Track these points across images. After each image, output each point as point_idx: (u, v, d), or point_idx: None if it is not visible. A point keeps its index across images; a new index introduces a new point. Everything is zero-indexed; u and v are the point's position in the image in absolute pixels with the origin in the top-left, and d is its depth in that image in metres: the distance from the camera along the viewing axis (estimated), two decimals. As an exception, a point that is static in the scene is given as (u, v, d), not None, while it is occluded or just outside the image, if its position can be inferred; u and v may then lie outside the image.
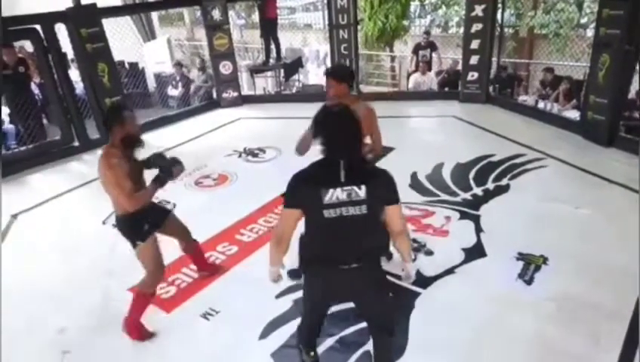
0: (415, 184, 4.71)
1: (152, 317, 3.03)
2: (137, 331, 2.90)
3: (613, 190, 4.40)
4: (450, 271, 3.37)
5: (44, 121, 7.02)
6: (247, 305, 3.14)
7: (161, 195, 4.71)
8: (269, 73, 8.99)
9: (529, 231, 3.77)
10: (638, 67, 5.18)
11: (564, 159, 5.05)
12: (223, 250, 3.83)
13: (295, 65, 8.83)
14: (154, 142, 6.47)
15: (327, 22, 8.13)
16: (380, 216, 1.99)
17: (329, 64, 7.98)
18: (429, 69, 8.29)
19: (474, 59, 6.99)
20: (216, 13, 7.46)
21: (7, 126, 6.58)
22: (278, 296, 3.15)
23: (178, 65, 8.79)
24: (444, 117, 6.80)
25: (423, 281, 3.26)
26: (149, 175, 2.80)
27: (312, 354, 2.48)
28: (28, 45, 6.55)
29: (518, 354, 2.67)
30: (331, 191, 1.86)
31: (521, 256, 3.47)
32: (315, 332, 2.43)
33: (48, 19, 5.81)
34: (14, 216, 4.68)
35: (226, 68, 7.75)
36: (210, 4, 7.39)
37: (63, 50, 6.22)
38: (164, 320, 3.10)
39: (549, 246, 3.54)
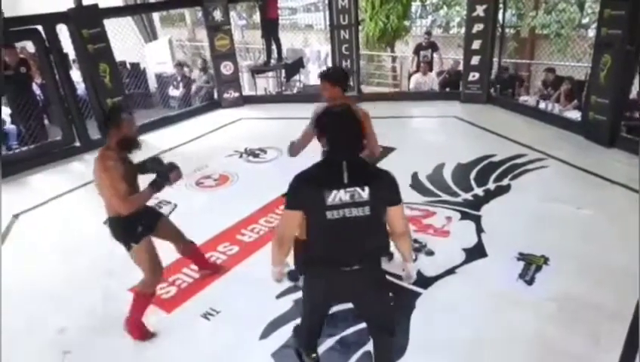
0: (416, 184, 4.71)
1: (152, 317, 3.04)
2: (138, 331, 2.91)
3: (615, 190, 4.39)
4: (451, 272, 3.37)
5: (46, 121, 7.02)
6: (248, 305, 3.14)
7: (161, 196, 4.72)
8: (270, 73, 9.00)
9: (530, 232, 3.77)
10: (639, 67, 5.16)
11: (566, 159, 5.04)
12: (223, 250, 3.84)
13: (296, 65, 8.84)
14: (155, 142, 6.51)
15: (328, 22, 8.13)
16: (383, 217, 1.98)
17: (330, 64, 7.97)
18: (430, 70, 8.29)
19: (475, 60, 7.00)
20: (217, 14, 7.47)
21: (9, 126, 6.59)
22: (278, 296, 3.15)
23: (179, 65, 8.81)
24: (445, 117, 6.80)
25: (424, 281, 3.25)
26: (146, 179, 2.78)
27: (314, 355, 2.47)
28: (30, 46, 6.56)
29: (519, 354, 2.67)
30: (334, 192, 1.85)
31: (522, 257, 3.46)
32: (316, 333, 2.41)
33: (50, 19, 5.82)
34: (16, 216, 4.69)
35: (227, 68, 7.76)
36: (212, 4, 7.40)
37: (65, 51, 6.23)
38: (165, 320, 3.10)
39: (550, 246, 3.54)
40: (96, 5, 6.14)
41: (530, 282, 3.22)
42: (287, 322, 2.96)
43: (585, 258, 3.41)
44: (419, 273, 3.28)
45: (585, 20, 9.86)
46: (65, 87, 6.09)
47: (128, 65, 8.80)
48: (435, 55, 8.50)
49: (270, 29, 7.93)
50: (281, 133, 6.11)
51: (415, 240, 3.66)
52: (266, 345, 2.82)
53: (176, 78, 8.58)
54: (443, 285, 3.25)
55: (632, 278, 2.93)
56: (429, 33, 8.89)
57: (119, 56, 7.08)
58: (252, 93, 8.80)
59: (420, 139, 6.12)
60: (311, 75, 9.88)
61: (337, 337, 2.80)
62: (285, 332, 2.89)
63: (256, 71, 8.70)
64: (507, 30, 8.00)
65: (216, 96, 8.14)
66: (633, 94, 5.71)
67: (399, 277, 2.83)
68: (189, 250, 3.30)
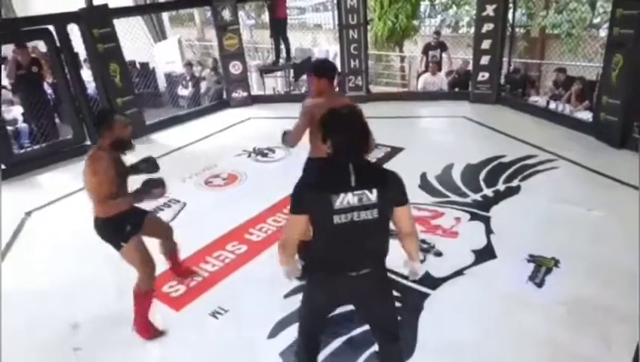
0: (424, 184, 4.69)
1: (161, 315, 3.06)
2: (147, 330, 2.92)
3: (626, 192, 4.35)
4: (459, 273, 3.35)
5: (57, 120, 7.10)
6: (256, 305, 3.16)
7: (171, 194, 4.76)
8: (278, 73, 9.01)
9: (540, 233, 3.74)
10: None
11: (576, 160, 5.00)
12: (232, 249, 3.85)
13: (305, 65, 8.84)
14: (164, 141, 6.57)
15: (336, 22, 8.12)
16: (390, 219, 1.95)
17: (338, 64, 7.96)
18: (439, 70, 8.25)
19: (485, 60, 6.96)
20: (226, 14, 7.50)
21: (21, 125, 6.68)
22: (286, 296, 3.15)
23: (188, 65, 8.85)
24: (455, 117, 6.77)
25: (433, 282, 3.24)
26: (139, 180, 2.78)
27: None
28: (41, 45, 6.63)
29: (529, 356, 2.65)
30: (342, 195, 1.81)
31: (532, 258, 3.44)
32: (315, 345, 2.30)
33: (61, 19, 5.88)
34: (28, 214, 4.75)
35: (235, 68, 7.79)
36: (221, 4, 7.43)
37: (76, 51, 6.29)
38: (174, 318, 3.12)
39: (559, 248, 3.51)
40: (106, 5, 6.20)
41: (540, 284, 3.20)
42: (295, 321, 2.93)
43: (595, 259, 3.38)
44: (427, 274, 3.28)
45: (596, 20, 9.76)
46: (76, 86, 6.15)
47: (138, 65, 8.86)
48: (444, 55, 8.46)
49: (279, 28, 7.94)
50: (290, 132, 6.16)
51: (424, 241, 3.65)
52: (274, 344, 2.83)
53: (186, 78, 8.63)
54: (452, 286, 3.23)
55: (644, 280, 2.91)
56: (438, 33, 8.85)
57: (129, 55, 7.14)
58: (261, 92, 8.83)
59: (428, 140, 6.10)
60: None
61: (345, 337, 2.80)
62: (293, 332, 2.87)
63: (264, 70, 8.72)
64: (517, 30, 7.94)
65: (224, 95, 8.18)
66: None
67: (406, 278, 2.82)
68: (172, 248, 3.28)
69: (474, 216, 4.08)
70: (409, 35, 10.91)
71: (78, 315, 3.19)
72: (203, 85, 8.64)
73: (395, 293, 3.00)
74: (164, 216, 4.31)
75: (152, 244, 3.04)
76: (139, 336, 2.92)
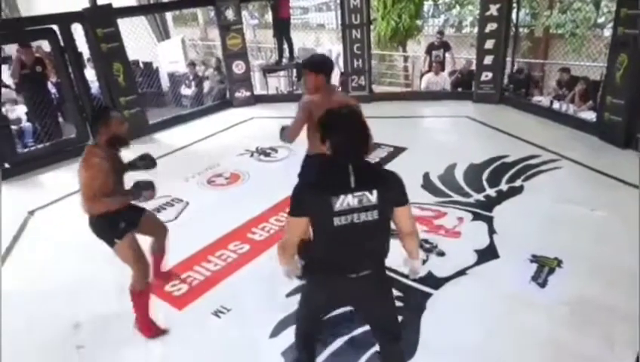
0: (427, 184, 4.69)
1: (164, 314, 3.07)
2: (149, 329, 2.93)
3: (629, 192, 4.32)
4: (462, 273, 3.34)
5: (60, 119, 7.13)
6: (258, 304, 3.16)
7: (174, 193, 4.78)
8: (281, 73, 9.00)
9: (543, 233, 3.73)
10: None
11: (580, 160, 4.98)
12: (234, 248, 3.85)
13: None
14: (167, 140, 6.58)
15: (340, 22, 8.11)
16: (390, 219, 1.94)
17: (341, 64, 7.97)
18: (443, 69, 8.23)
19: (488, 59, 6.94)
20: (229, 14, 7.51)
21: (25, 124, 6.71)
22: (288, 295, 3.14)
23: (192, 64, 8.87)
24: (458, 117, 6.75)
25: (435, 282, 3.24)
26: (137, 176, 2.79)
27: None
28: (45, 45, 6.66)
29: (531, 356, 2.64)
30: (342, 197, 1.79)
31: (535, 259, 3.43)
32: (311, 347, 2.29)
33: (65, 19, 5.90)
34: (31, 213, 4.77)
35: (238, 67, 7.80)
36: (224, 4, 7.44)
37: (79, 50, 6.32)
38: (177, 317, 3.12)
39: (562, 248, 3.50)
40: (110, 5, 6.22)
41: (542, 285, 3.19)
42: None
43: (598, 259, 3.36)
44: (430, 273, 3.27)
45: (601, 20, 9.72)
46: (79, 85, 6.17)
47: (141, 65, 8.90)
48: (447, 55, 8.44)
49: (282, 28, 7.95)
50: (293, 132, 6.16)
51: (426, 241, 3.65)
52: (276, 343, 2.83)
53: (189, 77, 8.65)
54: (454, 286, 3.23)
55: (647, 281, 2.90)
56: (441, 33, 8.82)
57: (132, 55, 7.16)
58: (264, 92, 8.82)
59: (431, 139, 6.09)
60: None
61: (346, 337, 2.80)
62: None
63: (267, 70, 8.72)
64: (521, 30, 7.91)
65: (227, 95, 8.19)
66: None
67: (407, 276, 2.82)
68: (162, 249, 3.24)
69: (477, 216, 4.07)
70: (412, 35, 10.91)
71: (80, 314, 3.20)
72: (206, 85, 8.65)
73: (398, 293, 3.03)
74: (167, 215, 4.33)
75: (144, 241, 3.01)
76: (141, 335, 2.93)
